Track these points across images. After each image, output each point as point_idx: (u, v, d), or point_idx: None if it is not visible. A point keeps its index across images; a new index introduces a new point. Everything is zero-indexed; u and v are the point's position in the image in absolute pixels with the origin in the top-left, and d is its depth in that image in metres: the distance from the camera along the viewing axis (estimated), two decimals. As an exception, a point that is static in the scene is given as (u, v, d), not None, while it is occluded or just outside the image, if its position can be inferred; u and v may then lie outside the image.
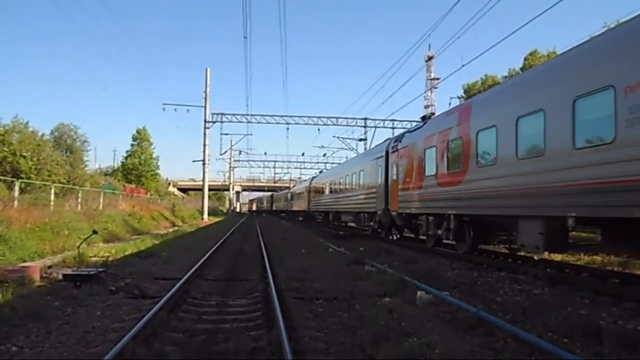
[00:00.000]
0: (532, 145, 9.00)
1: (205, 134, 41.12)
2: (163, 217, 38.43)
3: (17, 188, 18.15)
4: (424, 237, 15.32)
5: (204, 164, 41.62)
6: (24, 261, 11.49)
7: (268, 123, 42.87)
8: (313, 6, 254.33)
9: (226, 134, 58.15)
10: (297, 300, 7.24)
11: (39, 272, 9.16)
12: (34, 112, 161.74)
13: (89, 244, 14.49)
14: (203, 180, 42.74)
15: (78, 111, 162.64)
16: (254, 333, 5.42)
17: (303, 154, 69.32)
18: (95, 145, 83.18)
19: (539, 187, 8.49)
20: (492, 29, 78.42)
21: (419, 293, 7.16)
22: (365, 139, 43.44)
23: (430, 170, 13.67)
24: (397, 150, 16.87)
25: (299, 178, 72.58)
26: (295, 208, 48.49)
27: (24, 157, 25.80)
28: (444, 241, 14.24)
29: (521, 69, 40.67)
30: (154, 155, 56.93)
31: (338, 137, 44.58)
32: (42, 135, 31.57)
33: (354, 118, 43.25)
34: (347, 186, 24.81)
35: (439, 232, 13.29)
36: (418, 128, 16.00)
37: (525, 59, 42.64)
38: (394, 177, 16.93)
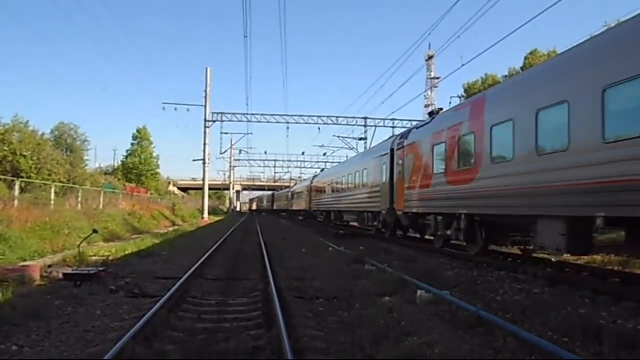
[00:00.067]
0: (554, 140, 8.41)
1: (205, 133, 41.12)
2: (163, 216, 38.46)
3: (17, 187, 18.17)
4: (432, 238, 14.84)
5: (204, 163, 41.62)
6: (25, 260, 11.50)
7: (268, 122, 42.91)
8: (313, 6, 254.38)
9: (226, 134, 58.20)
10: (297, 299, 7.24)
11: (40, 272, 9.16)
12: (34, 112, 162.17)
13: (89, 243, 14.49)
14: (203, 180, 42.73)
15: (78, 111, 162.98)
16: (254, 332, 5.42)
17: (303, 153, 69.14)
18: (95, 144, 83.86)
19: (562, 185, 7.90)
20: (492, 28, 78.42)
21: (419, 292, 7.16)
22: (365, 139, 43.46)
23: (439, 168, 13.10)
24: (403, 147, 16.21)
25: (300, 177, 72.62)
26: (296, 207, 48.34)
27: (25, 156, 25.81)
28: (453, 242, 13.71)
29: (521, 68, 40.63)
30: (155, 155, 57.01)
31: (338, 137, 44.62)
32: (43, 134, 31.60)
33: (354, 117, 43.30)
34: (350, 185, 24.27)
35: (448, 232, 12.79)
36: (426, 124, 15.29)
37: (526, 58, 42.60)
38: (400, 175, 16.31)
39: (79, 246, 12.06)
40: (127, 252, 13.74)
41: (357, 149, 42.58)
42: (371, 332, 5.12)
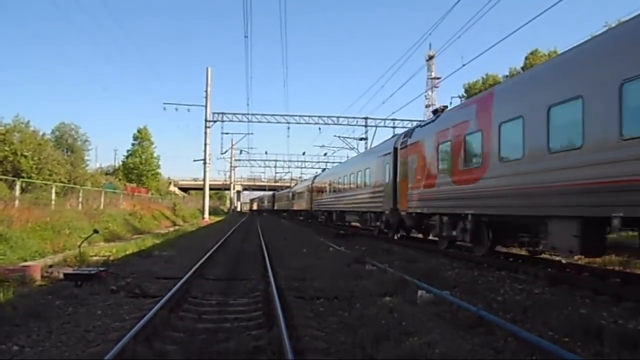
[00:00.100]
0: (567, 137, 8.07)
1: (206, 133, 41.15)
2: (164, 216, 38.48)
3: (18, 187, 18.20)
4: (436, 239, 14.53)
5: (204, 163, 41.65)
6: (25, 260, 11.51)
7: (269, 122, 42.95)
8: (313, 6, 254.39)
9: (227, 134, 58.39)
10: (298, 299, 7.24)
11: (40, 272, 9.17)
12: (34, 112, 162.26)
13: (89, 243, 14.50)
14: (204, 180, 42.76)
15: (79, 111, 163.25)
16: (254, 332, 5.43)
17: (304, 153, 69.16)
18: (96, 144, 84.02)
19: (576, 184, 7.58)
20: (492, 28, 78.33)
21: (419, 292, 7.16)
22: (365, 138, 43.47)
23: (444, 167, 12.78)
24: (406, 146, 15.88)
25: (300, 177, 72.63)
26: (297, 207, 48.27)
27: (25, 156, 25.84)
28: (458, 243, 13.34)
29: (522, 68, 40.66)
30: (155, 155, 57.08)
31: (339, 137, 44.59)
32: (43, 134, 31.66)
33: (354, 117, 43.32)
34: (352, 185, 23.95)
35: (454, 233, 12.44)
36: (429, 122, 14.85)
37: (526, 58, 42.66)
38: (404, 175, 15.96)
39: (79, 246, 12.08)
40: (127, 252, 13.75)
41: (357, 149, 42.62)
42: (372, 332, 5.12)
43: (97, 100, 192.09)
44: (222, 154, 54.10)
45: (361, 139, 43.98)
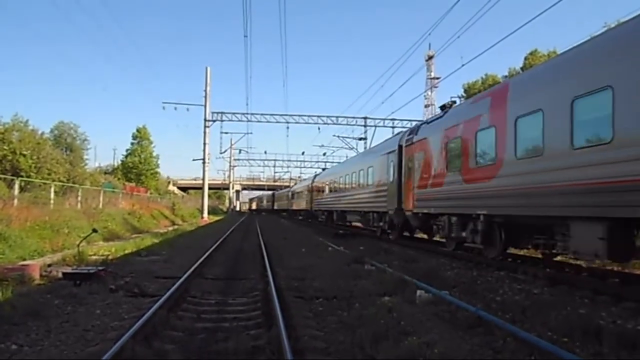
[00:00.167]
0: (594, 132, 7.47)
1: (205, 132, 41.09)
2: (163, 215, 38.46)
3: (17, 186, 18.16)
4: (443, 240, 13.97)
5: (203, 162, 41.61)
6: (24, 259, 11.50)
7: (268, 122, 42.89)
8: (313, 5, 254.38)
9: (226, 133, 58.15)
10: (297, 299, 7.24)
11: (39, 271, 9.16)
12: (34, 111, 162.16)
13: (88, 242, 14.49)
14: (203, 179, 42.73)
15: (78, 110, 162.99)
16: (253, 332, 5.42)
17: (303, 153, 69.28)
18: (95, 144, 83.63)
19: (603, 182, 7.01)
20: (492, 28, 78.46)
21: (418, 292, 7.16)
22: (365, 138, 43.47)
23: (453, 165, 12.20)
24: (412, 143, 15.22)
25: (299, 177, 72.63)
26: (296, 207, 48.16)
27: (24, 155, 25.82)
28: (466, 244, 12.70)
29: (521, 68, 40.71)
30: (154, 154, 57.03)
31: (338, 136, 44.60)
32: (42, 133, 31.63)
33: (354, 117, 43.28)
34: (354, 184, 23.35)
35: (463, 234, 11.87)
36: (437, 118, 14.21)
37: (526, 58, 42.73)
38: (409, 173, 15.36)
39: (78, 245, 12.06)
40: (126, 252, 13.74)
41: (356, 149, 42.63)
42: (371, 331, 5.12)
43: (96, 99, 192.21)
44: (221, 153, 54.32)
45: (360, 139, 44.02)
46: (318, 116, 42.65)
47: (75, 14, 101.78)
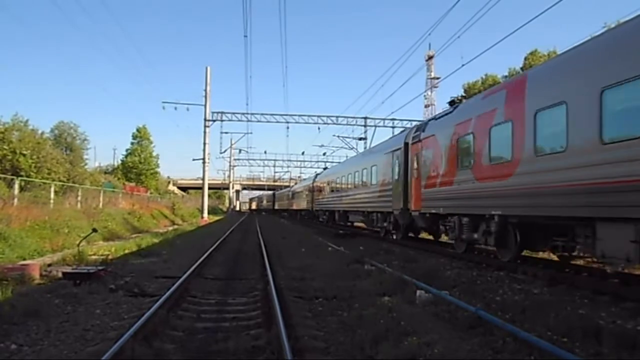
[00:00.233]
0: (626, 126, 6.86)
1: (205, 132, 41.08)
2: (163, 215, 38.49)
3: (16, 186, 18.17)
4: (452, 242, 13.32)
5: (203, 162, 41.59)
6: (24, 259, 11.51)
7: (268, 122, 42.86)
8: (313, 5, 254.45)
9: (226, 133, 58.22)
10: (297, 299, 7.24)
11: (39, 270, 9.17)
12: (34, 111, 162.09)
13: (88, 242, 14.49)
14: (203, 179, 42.71)
15: (78, 110, 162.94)
16: (253, 332, 5.43)
17: (303, 153, 69.45)
18: (95, 143, 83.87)
19: (637, 180, 6.47)
20: (492, 28, 78.48)
21: (418, 292, 7.16)
22: (365, 138, 43.46)
23: (465, 162, 11.62)
24: (419, 141, 14.60)
25: (299, 177, 72.66)
26: (297, 207, 48.04)
27: (24, 155, 25.80)
28: (478, 246, 12.40)
29: (521, 68, 40.71)
30: (154, 154, 56.98)
31: (338, 136, 44.56)
32: (42, 133, 31.58)
33: (354, 117, 43.26)
34: (357, 184, 22.71)
35: (475, 236, 11.30)
36: (446, 114, 13.58)
37: (526, 58, 42.73)
38: (416, 172, 14.74)
39: (78, 245, 12.08)
40: (126, 251, 13.75)
41: (356, 149, 42.59)
42: (370, 332, 5.12)
43: (96, 99, 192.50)
44: (221, 153, 54.38)
45: (360, 139, 43.99)
46: (318, 116, 42.67)
47: (75, 14, 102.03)
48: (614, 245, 7.02)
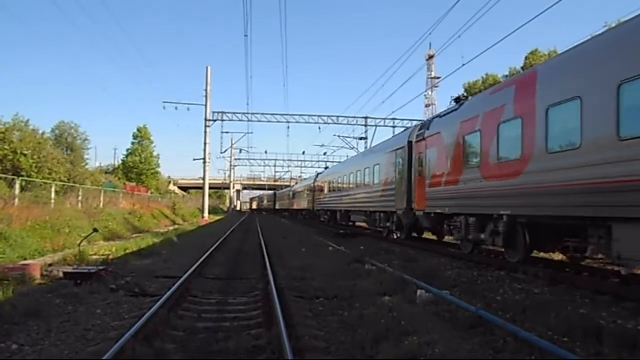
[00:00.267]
0: None
1: (206, 132, 41.09)
2: (164, 215, 38.49)
3: (17, 186, 18.19)
4: (458, 242, 13.01)
5: (204, 162, 41.61)
6: (25, 259, 11.52)
7: (269, 122, 42.87)
8: (314, 5, 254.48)
9: (227, 133, 58.31)
10: (298, 299, 7.25)
11: (40, 270, 9.17)
12: (34, 111, 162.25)
13: (89, 242, 14.50)
14: (204, 179, 42.73)
15: (79, 110, 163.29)
16: (254, 332, 5.43)
17: (304, 153, 69.37)
18: (95, 143, 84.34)
19: None
20: (492, 28, 78.43)
21: (419, 292, 7.16)
22: (365, 138, 43.47)
23: (472, 161, 11.32)
24: (423, 139, 14.30)
25: (300, 177, 72.68)
26: (298, 207, 47.96)
27: (25, 155, 25.82)
28: (485, 247, 12.16)
29: (522, 68, 40.68)
30: (155, 154, 57.01)
31: (339, 136, 44.57)
32: (43, 133, 31.60)
33: (354, 117, 43.27)
34: (359, 183, 22.41)
35: (482, 236, 11.03)
36: (452, 111, 13.18)
37: (526, 58, 42.72)
38: (420, 171, 14.46)
39: (79, 245, 12.08)
40: (127, 251, 13.74)
41: (357, 149, 42.60)
42: (371, 331, 5.12)
43: (96, 99, 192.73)
44: (222, 153, 54.22)
45: (361, 139, 44.02)
46: (319, 116, 42.69)
47: (76, 14, 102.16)
48: (632, 246, 6.75)
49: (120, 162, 57.74)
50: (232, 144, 59.73)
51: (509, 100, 9.84)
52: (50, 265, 10.25)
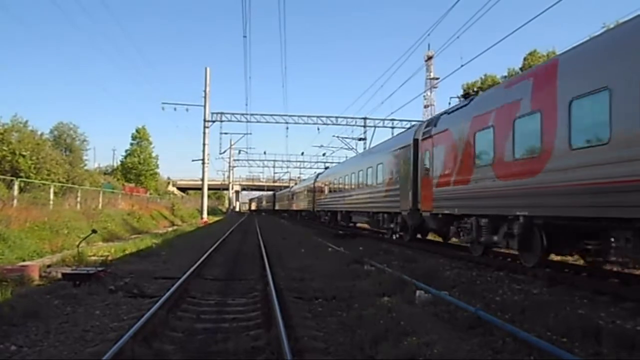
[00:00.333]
0: None
1: (204, 133, 41.12)
2: (162, 216, 38.46)
3: (16, 187, 18.17)
4: (468, 244, 12.44)
5: (203, 163, 41.63)
6: (23, 260, 11.51)
7: (267, 122, 42.89)
8: (312, 6, 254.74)
9: (226, 133, 58.06)
10: (296, 299, 7.25)
11: (38, 271, 9.16)
12: (33, 112, 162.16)
13: (88, 243, 14.48)
14: (202, 180, 42.74)
15: (77, 111, 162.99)
16: (253, 332, 5.43)
17: (302, 154, 69.75)
18: (94, 144, 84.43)
19: None
20: (492, 28, 78.63)
21: (417, 292, 7.16)
22: (364, 139, 43.51)
23: (484, 158, 10.74)
24: (430, 136, 13.76)
25: (299, 177, 72.68)
26: (298, 207, 47.79)
27: (23, 156, 25.77)
28: (497, 250, 11.71)
29: (520, 68, 40.73)
30: (154, 155, 56.99)
31: (337, 137, 44.59)
32: (42, 134, 31.52)
33: (353, 117, 43.31)
34: (361, 183, 21.87)
35: (495, 238, 10.50)
36: (462, 106, 12.60)
37: (525, 59, 42.74)
38: (427, 170, 13.93)
39: (77, 246, 12.06)
40: (126, 252, 13.74)
41: (356, 149, 42.61)
42: (370, 332, 5.12)
43: (96, 99, 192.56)
44: (220, 154, 54.41)
45: (360, 139, 44.05)
46: (317, 116, 42.72)
47: (75, 14, 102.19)
48: None
49: (119, 162, 57.76)
50: (231, 145, 59.89)
51: (525, 93, 9.24)
52: (49, 266, 10.23)
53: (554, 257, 10.57)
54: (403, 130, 25.74)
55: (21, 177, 21.86)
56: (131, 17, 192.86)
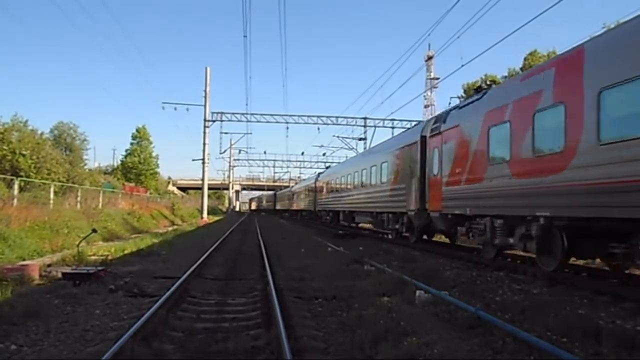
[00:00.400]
0: None
1: (205, 132, 41.12)
2: (162, 216, 38.46)
3: (16, 186, 18.17)
4: (480, 246, 12.00)
5: (203, 162, 41.62)
6: (24, 259, 11.50)
7: (268, 122, 42.90)
8: (313, 5, 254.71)
9: (226, 133, 57.99)
10: (296, 299, 7.24)
11: (38, 271, 9.16)
12: (33, 111, 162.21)
13: (88, 242, 14.49)
14: (203, 179, 42.73)
15: (78, 110, 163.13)
16: (253, 332, 5.43)
17: (303, 153, 69.73)
18: (94, 144, 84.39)
19: None
20: (492, 29, 78.62)
21: (417, 292, 7.16)
22: (364, 138, 43.52)
23: (498, 155, 10.16)
24: (439, 133, 13.16)
25: (299, 177, 72.68)
26: (298, 207, 47.61)
27: (24, 155, 25.80)
28: (509, 252, 11.33)
29: (521, 69, 40.74)
30: (154, 154, 56.99)
31: (338, 137, 44.62)
32: (42, 133, 31.56)
33: (353, 117, 43.32)
34: (365, 182, 21.34)
35: (511, 240, 9.97)
36: (474, 101, 11.87)
37: (525, 59, 42.75)
38: (435, 168, 13.37)
39: (78, 245, 12.07)
40: (126, 252, 13.74)
41: (356, 149, 42.62)
42: (370, 332, 5.12)
43: (96, 99, 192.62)
44: (220, 153, 54.46)
45: (360, 139, 44.06)
46: (318, 116, 42.72)
47: (75, 14, 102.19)
48: None
49: (119, 162, 57.76)
50: (231, 145, 59.90)
51: (547, 84, 8.59)
52: (49, 265, 10.24)
53: (573, 261, 9.90)
54: (403, 129, 25.61)
55: (21, 176, 21.86)
56: (131, 17, 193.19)
